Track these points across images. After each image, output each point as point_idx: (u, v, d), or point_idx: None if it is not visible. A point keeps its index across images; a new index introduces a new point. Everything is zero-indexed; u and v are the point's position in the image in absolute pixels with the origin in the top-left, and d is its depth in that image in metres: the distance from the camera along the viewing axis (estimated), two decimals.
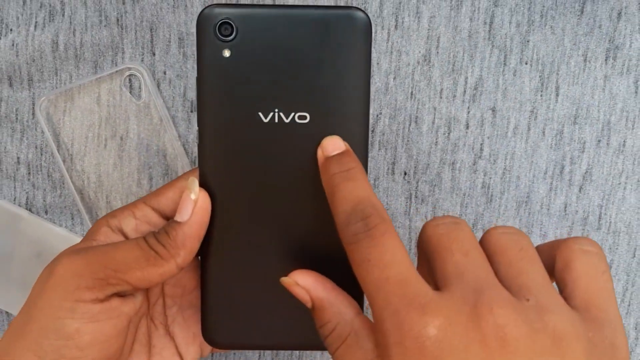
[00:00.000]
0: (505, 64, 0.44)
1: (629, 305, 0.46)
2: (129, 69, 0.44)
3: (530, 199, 0.45)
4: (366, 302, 0.28)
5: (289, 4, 0.41)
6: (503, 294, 0.26)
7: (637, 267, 0.46)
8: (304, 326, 0.32)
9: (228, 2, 0.39)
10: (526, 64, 0.44)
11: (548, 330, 0.26)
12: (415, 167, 0.45)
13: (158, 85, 0.44)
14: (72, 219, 0.46)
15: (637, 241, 0.45)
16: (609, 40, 0.44)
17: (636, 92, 0.44)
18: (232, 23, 0.31)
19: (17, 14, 0.44)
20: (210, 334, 0.34)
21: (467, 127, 0.45)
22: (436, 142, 0.45)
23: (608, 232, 0.45)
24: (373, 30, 0.44)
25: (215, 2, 0.38)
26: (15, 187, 0.46)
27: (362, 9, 0.33)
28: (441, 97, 0.44)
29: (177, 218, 0.32)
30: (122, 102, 0.44)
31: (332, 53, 0.31)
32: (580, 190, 0.45)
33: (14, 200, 0.46)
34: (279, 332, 0.33)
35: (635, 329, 0.46)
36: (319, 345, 0.31)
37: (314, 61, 0.31)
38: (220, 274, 0.33)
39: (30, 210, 0.46)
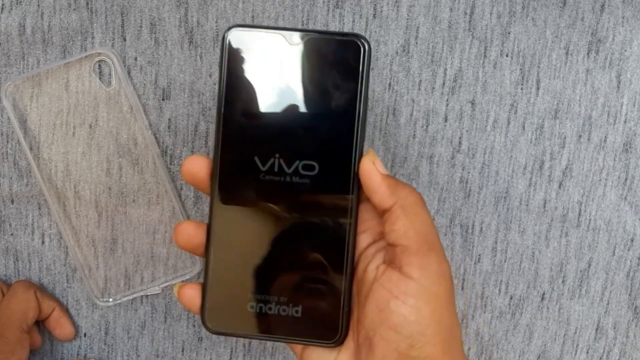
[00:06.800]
0: (485, 55, 0.43)
1: (607, 304, 0.45)
2: (99, 54, 0.43)
3: (509, 195, 0.44)
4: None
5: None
6: None
7: (617, 265, 0.45)
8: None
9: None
10: (507, 56, 0.43)
11: None
12: (392, 160, 0.44)
13: (129, 72, 0.43)
14: (39, 208, 0.44)
15: (616, 239, 0.44)
16: (592, 33, 0.43)
17: (618, 87, 0.43)
18: None
19: None
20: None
21: (446, 120, 0.43)
22: (414, 135, 0.44)
23: (587, 229, 0.44)
24: (352, 20, 0.43)
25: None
26: None
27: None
28: (420, 89, 0.43)
29: None
30: (92, 88, 0.43)
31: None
32: (560, 187, 0.44)
33: None
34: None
35: (614, 328, 0.45)
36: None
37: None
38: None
39: None
